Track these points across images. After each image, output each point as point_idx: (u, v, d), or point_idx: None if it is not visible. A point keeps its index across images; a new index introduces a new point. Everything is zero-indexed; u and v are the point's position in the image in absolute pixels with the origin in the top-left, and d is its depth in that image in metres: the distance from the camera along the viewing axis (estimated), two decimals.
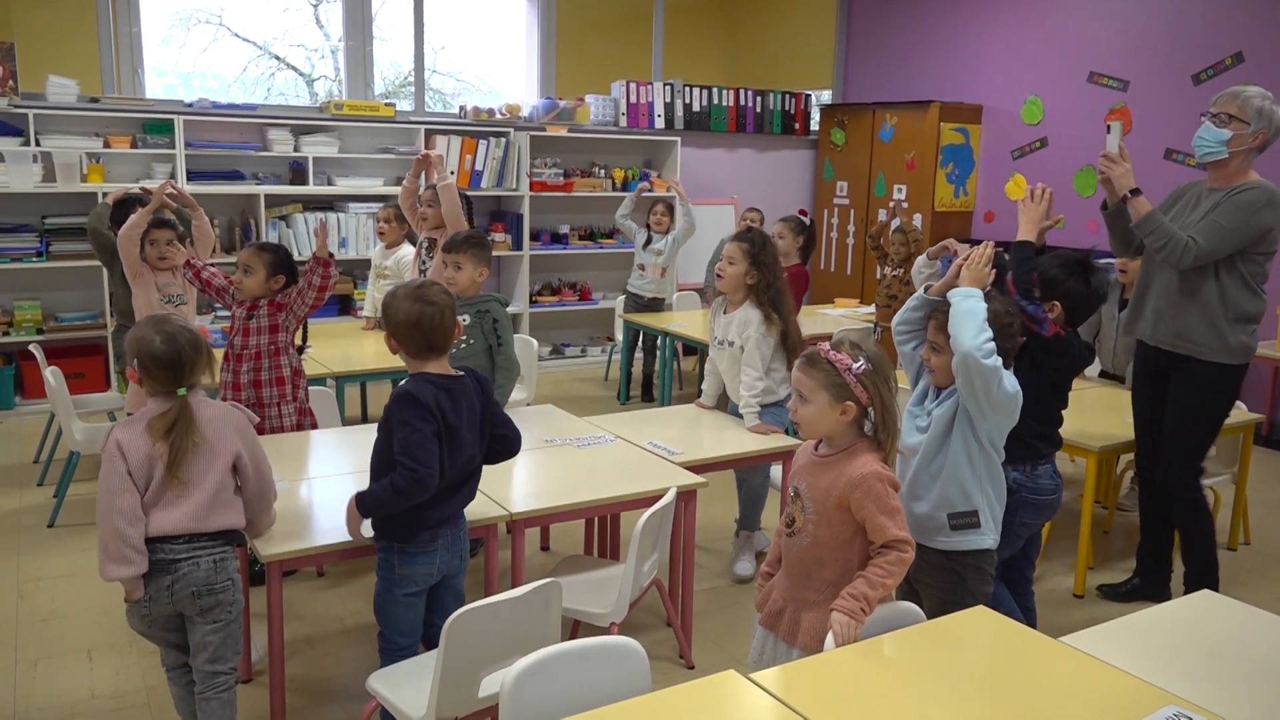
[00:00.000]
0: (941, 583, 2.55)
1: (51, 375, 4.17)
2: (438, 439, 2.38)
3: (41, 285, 5.87)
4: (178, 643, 2.44)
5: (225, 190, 6.15)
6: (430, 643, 2.57)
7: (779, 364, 3.71)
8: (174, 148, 5.94)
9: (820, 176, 8.39)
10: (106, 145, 5.85)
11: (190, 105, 6.19)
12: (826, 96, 8.73)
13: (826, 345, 2.26)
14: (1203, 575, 3.55)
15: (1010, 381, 2.44)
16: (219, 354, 3.08)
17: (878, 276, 6.00)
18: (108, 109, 5.90)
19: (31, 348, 4.65)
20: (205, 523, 2.33)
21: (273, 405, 3.52)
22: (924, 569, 2.55)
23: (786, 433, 3.64)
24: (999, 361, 2.40)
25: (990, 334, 2.40)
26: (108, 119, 5.91)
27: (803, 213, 6.55)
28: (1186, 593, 3.45)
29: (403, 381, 2.47)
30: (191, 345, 2.35)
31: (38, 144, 5.65)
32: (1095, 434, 3.68)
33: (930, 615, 2.22)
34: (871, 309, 6.22)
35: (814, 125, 8.43)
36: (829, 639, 2.07)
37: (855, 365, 2.19)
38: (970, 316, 2.40)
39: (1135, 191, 3.33)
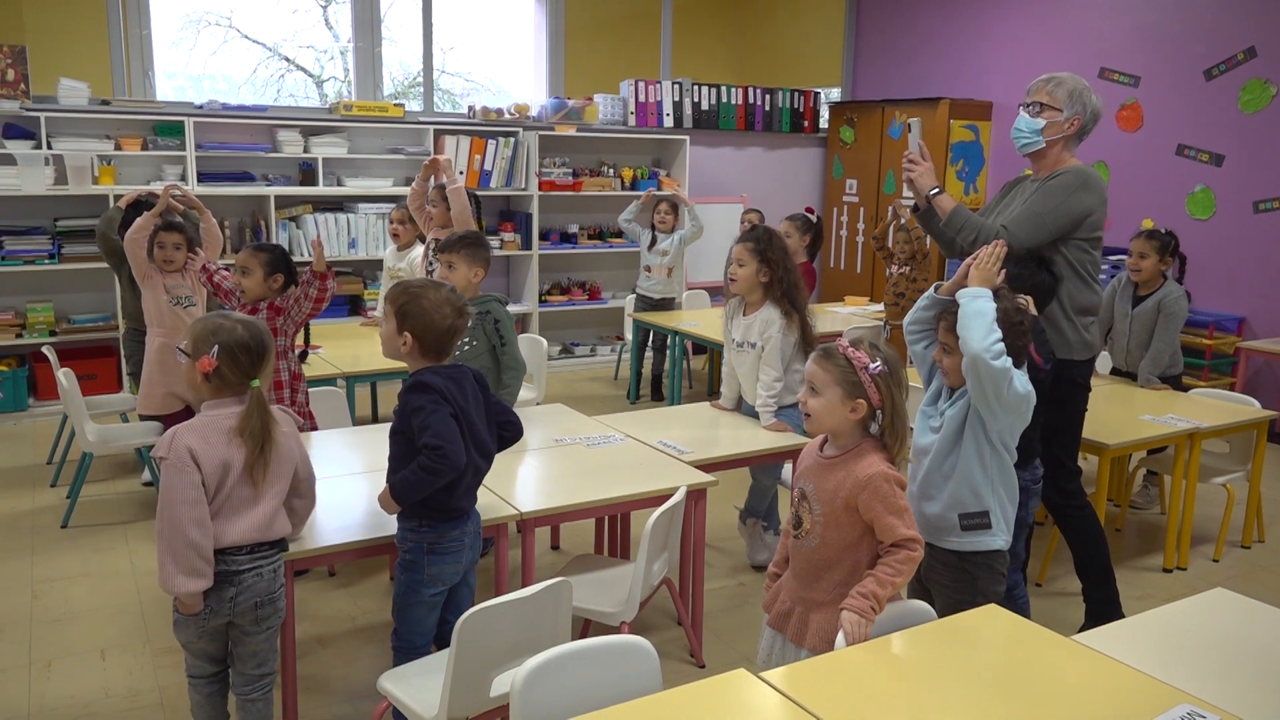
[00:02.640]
0: (953, 582, 2.54)
1: (64, 377, 4.19)
2: (455, 420, 2.39)
3: (54, 287, 5.90)
4: (215, 653, 2.42)
5: (235, 191, 6.18)
6: (443, 640, 2.57)
7: (799, 364, 3.70)
8: (184, 149, 5.96)
9: (829, 174, 8.37)
10: (118, 147, 5.88)
11: (200, 107, 6.21)
12: (835, 94, 8.72)
13: (845, 341, 2.25)
14: (1100, 588, 3.38)
15: (1021, 382, 2.43)
16: None
17: (887, 275, 5.98)
18: (119, 111, 5.92)
19: (44, 350, 4.67)
20: (269, 532, 2.32)
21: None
22: (935, 568, 2.54)
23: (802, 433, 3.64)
24: (1009, 362, 2.39)
25: (999, 334, 2.39)
26: (119, 121, 5.94)
27: (809, 210, 6.54)
28: (1089, 610, 3.39)
29: (409, 376, 2.49)
30: (269, 334, 2.36)
31: (49, 146, 5.68)
32: (1107, 431, 3.66)
33: (942, 614, 2.21)
34: (881, 307, 6.20)
35: (823, 123, 8.42)
36: (839, 637, 2.06)
37: (873, 365, 2.19)
38: (979, 317, 2.39)
39: (937, 190, 3.25)
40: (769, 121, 8.08)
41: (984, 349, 2.36)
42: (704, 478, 3.07)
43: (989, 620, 2.13)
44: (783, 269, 3.65)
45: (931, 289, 2.68)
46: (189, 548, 2.19)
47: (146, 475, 4.69)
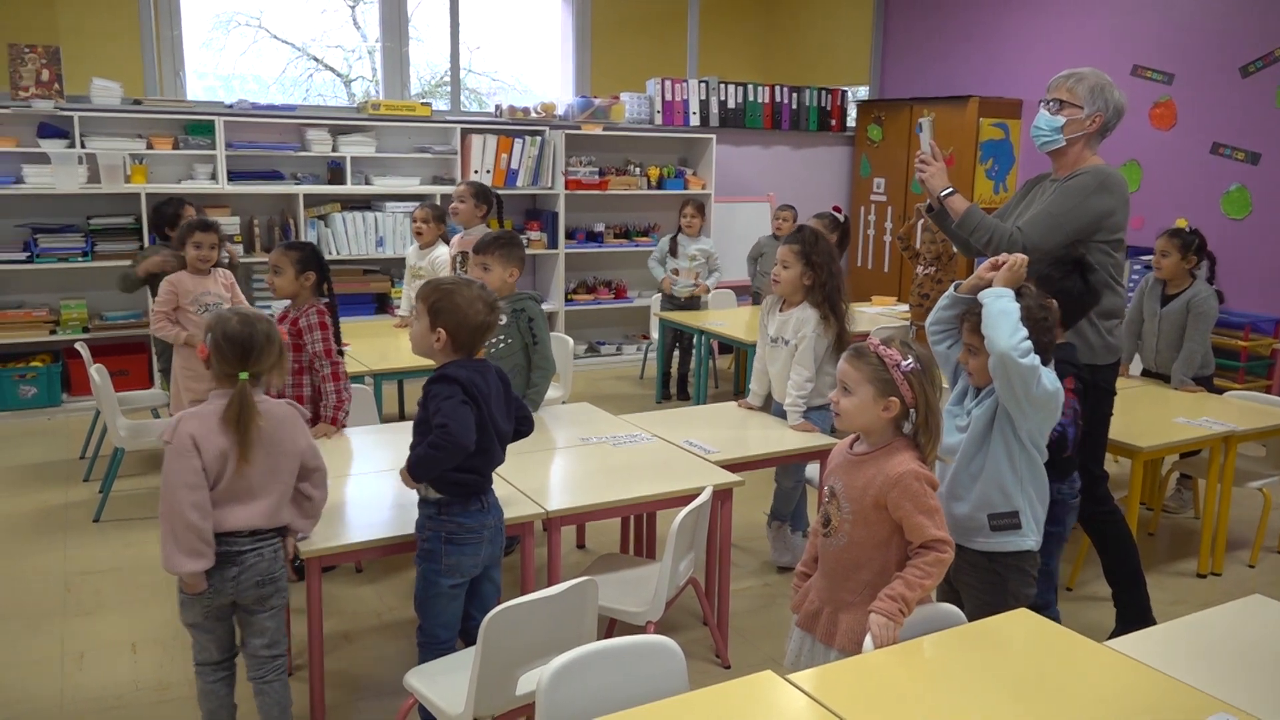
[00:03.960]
0: (982, 584, 2.52)
1: (97, 373, 4.24)
2: (475, 415, 2.44)
3: (87, 284, 5.97)
4: (222, 636, 2.49)
5: (265, 190, 6.23)
6: (469, 637, 2.59)
7: (830, 366, 3.67)
8: (215, 149, 6.01)
9: (857, 173, 8.32)
10: (149, 146, 5.94)
11: (231, 107, 6.27)
12: (863, 92, 8.67)
13: (877, 340, 2.24)
14: (1131, 594, 3.32)
15: (1049, 379, 2.40)
16: None
17: (914, 275, 5.94)
18: (150, 111, 5.99)
19: (78, 346, 4.73)
20: (273, 520, 2.41)
21: None
22: (964, 570, 2.52)
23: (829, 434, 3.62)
24: (1036, 360, 2.37)
25: (1025, 332, 2.36)
26: (150, 121, 6.00)
27: (837, 209, 6.51)
28: (1119, 616, 3.33)
29: (437, 369, 2.52)
30: (265, 335, 2.41)
31: (83, 145, 5.75)
32: (1139, 434, 3.61)
33: (971, 617, 2.19)
34: (907, 307, 6.16)
35: (850, 121, 8.37)
36: (867, 640, 2.05)
37: (905, 363, 2.17)
38: (1004, 317, 2.37)
39: (950, 191, 3.18)
40: (796, 120, 8.05)
41: (1011, 347, 2.34)
42: (730, 478, 3.06)
43: (1019, 624, 2.11)
44: (827, 272, 3.62)
45: (951, 288, 2.65)
46: (188, 530, 2.27)
47: None
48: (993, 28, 7.68)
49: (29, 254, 5.67)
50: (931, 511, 2.14)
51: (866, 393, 2.19)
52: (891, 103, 8.04)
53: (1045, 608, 2.83)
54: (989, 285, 2.45)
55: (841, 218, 5.99)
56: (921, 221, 5.81)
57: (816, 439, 3.53)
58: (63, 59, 5.73)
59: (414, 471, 2.46)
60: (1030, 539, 2.50)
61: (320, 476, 2.53)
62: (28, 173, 5.67)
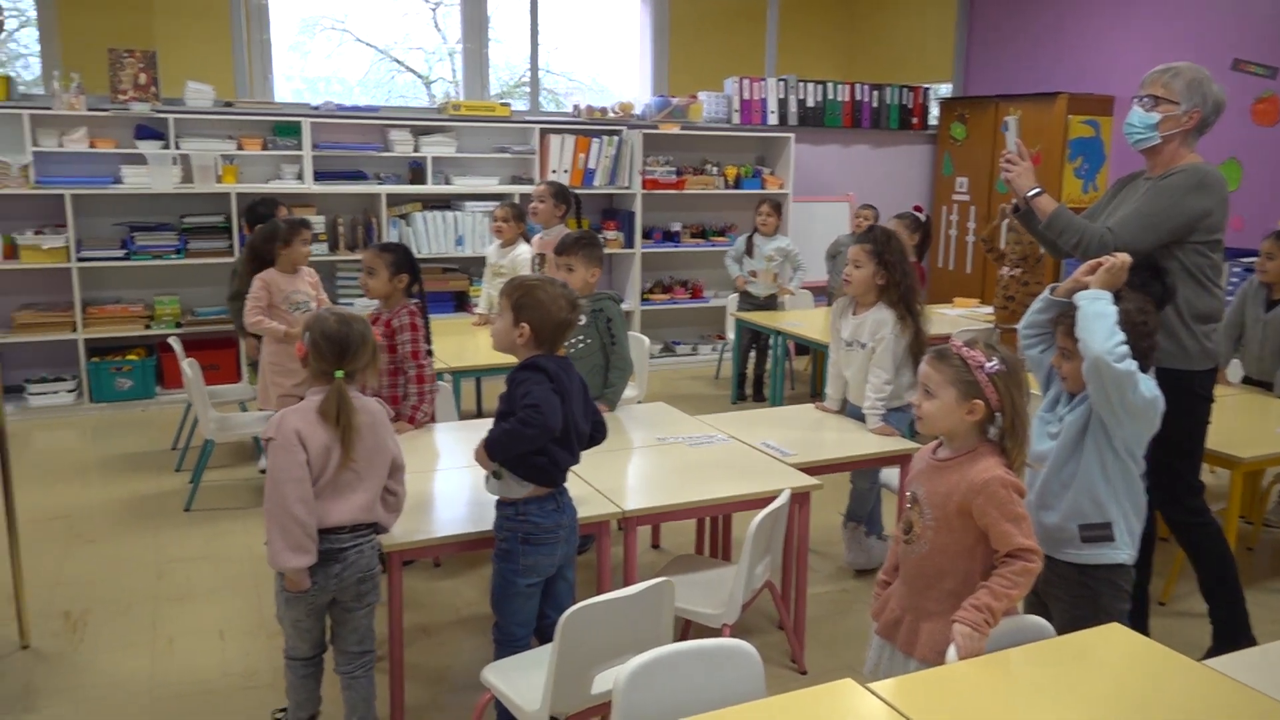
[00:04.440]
0: (1072, 597, 2.43)
1: (189, 367, 4.38)
2: (558, 396, 2.45)
3: (180, 281, 6.18)
4: (317, 633, 2.55)
5: (349, 190, 6.37)
6: (543, 634, 2.60)
7: (907, 367, 3.61)
8: (301, 149, 6.17)
9: (939, 172, 8.16)
10: (239, 147, 6.12)
11: (317, 108, 6.42)
12: (946, 90, 8.49)
13: (960, 342, 2.18)
14: (1228, 610, 3.16)
15: (1148, 386, 2.31)
16: None
17: (998, 277, 5.80)
18: (241, 113, 6.17)
19: (171, 340, 4.89)
20: (370, 515, 2.47)
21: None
22: (1054, 582, 2.44)
23: (908, 437, 3.55)
24: (1133, 365, 2.28)
25: (1122, 336, 2.28)
26: (240, 122, 6.18)
27: (918, 209, 6.39)
28: (1215, 633, 3.16)
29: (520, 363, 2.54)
30: (360, 336, 2.47)
31: (177, 147, 5.95)
32: (1239, 444, 3.46)
33: (1060, 631, 2.12)
34: (991, 309, 6.02)
35: (932, 120, 8.21)
36: (950, 651, 2.00)
37: (989, 364, 2.12)
38: (1100, 319, 2.29)
39: (1037, 192, 3.06)
40: (876, 118, 7.93)
41: (1106, 351, 2.26)
42: (809, 480, 3.02)
43: (1111, 639, 2.03)
44: (900, 272, 3.56)
45: (1046, 291, 2.57)
46: (295, 524, 2.32)
47: (263, 463, 4.87)
48: (1083, 22, 7.46)
49: (126, 251, 5.89)
50: (1018, 519, 2.08)
51: (949, 395, 2.14)
52: (976, 100, 7.87)
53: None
54: (1086, 288, 2.37)
55: (922, 217, 5.88)
56: (1006, 222, 5.66)
57: (896, 443, 3.47)
58: (159, 63, 5.93)
59: (493, 449, 2.46)
60: (1124, 552, 2.41)
61: (402, 473, 2.58)
62: (126, 173, 5.89)
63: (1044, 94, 7.26)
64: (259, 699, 2.94)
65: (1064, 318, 2.45)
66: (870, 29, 8.62)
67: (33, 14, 6.13)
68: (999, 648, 2.00)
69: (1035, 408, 2.50)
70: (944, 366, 2.15)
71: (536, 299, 2.51)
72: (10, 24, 6.41)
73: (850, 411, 3.77)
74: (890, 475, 3.95)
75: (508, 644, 2.56)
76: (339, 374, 2.42)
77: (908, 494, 2.28)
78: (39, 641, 3.23)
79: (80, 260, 5.75)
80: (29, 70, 6.36)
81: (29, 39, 6.41)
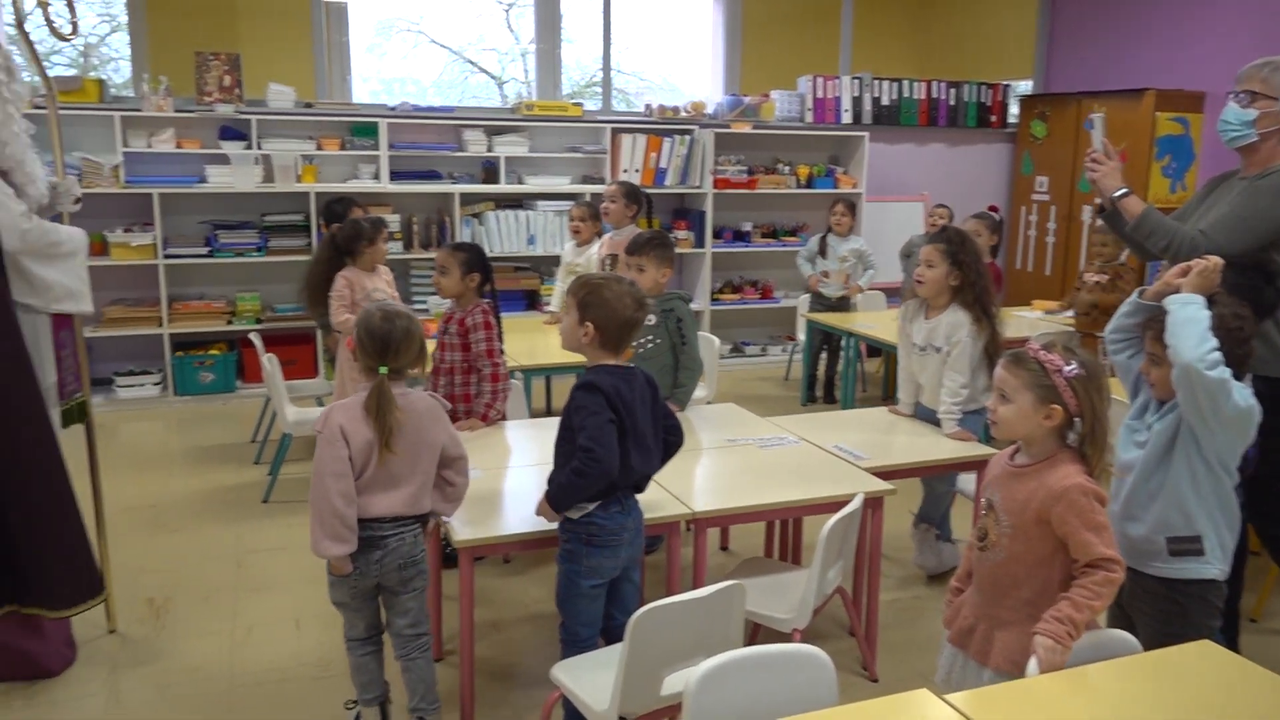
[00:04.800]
0: (1160, 613, 2.34)
1: (268, 362, 4.49)
2: (617, 426, 2.43)
3: (260, 278, 6.34)
4: (369, 615, 2.63)
5: (423, 189, 6.46)
6: (609, 635, 2.60)
7: (982, 370, 3.53)
8: (378, 149, 6.28)
9: (1018, 171, 7.97)
10: (319, 147, 6.25)
11: (394, 109, 6.52)
12: (1027, 87, 8.29)
13: (1037, 344, 2.13)
14: None
15: (1242, 395, 2.21)
16: None
17: (1079, 280, 5.63)
18: (320, 114, 6.30)
19: (251, 336, 5.02)
20: (414, 507, 2.52)
21: (462, 419, 3.57)
22: (1140, 596, 2.36)
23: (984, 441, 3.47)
24: (1226, 373, 2.18)
25: (1215, 343, 2.18)
26: (320, 123, 6.31)
27: (993, 209, 6.26)
28: None
29: (583, 373, 2.53)
30: (404, 331, 2.50)
31: (259, 147, 6.10)
32: None
33: (1147, 647, 2.04)
34: (1071, 313, 5.85)
35: (1012, 117, 8.03)
36: (1031, 663, 1.94)
37: (1067, 368, 2.06)
38: (1190, 325, 2.20)
39: (1125, 192, 2.94)
40: (953, 116, 7.78)
41: (1197, 358, 2.17)
42: (882, 485, 2.97)
43: (1201, 657, 1.95)
44: (975, 272, 3.49)
45: (1135, 294, 2.48)
46: (334, 516, 2.39)
47: None
48: (1173, 15, 7.21)
49: (210, 249, 6.06)
50: (1099, 528, 2.02)
51: (1026, 400, 2.09)
52: (1058, 97, 7.66)
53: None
54: (1177, 291, 2.29)
55: (998, 217, 5.75)
56: (1094, 223, 5.50)
57: (973, 448, 3.40)
58: (243, 65, 6.09)
59: (556, 502, 2.48)
60: (1215, 567, 2.32)
61: (462, 464, 2.62)
62: (210, 173, 6.06)
63: (1130, 90, 7.03)
64: (333, 689, 3.00)
65: (1153, 322, 2.36)
66: (948, 25, 8.45)
67: (123, 19, 6.35)
68: (1080, 662, 1.94)
69: (1120, 415, 2.42)
70: (1020, 370, 2.10)
71: (602, 297, 2.50)
72: (102, 29, 6.65)
73: (922, 414, 3.70)
74: (966, 480, 3.87)
75: (573, 644, 2.57)
76: (383, 370, 2.46)
77: (983, 500, 2.23)
78: (125, 627, 3.34)
79: (167, 257, 5.94)
80: (119, 73, 6.59)
81: (120, 43, 6.65)
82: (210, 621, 3.42)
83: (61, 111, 3.36)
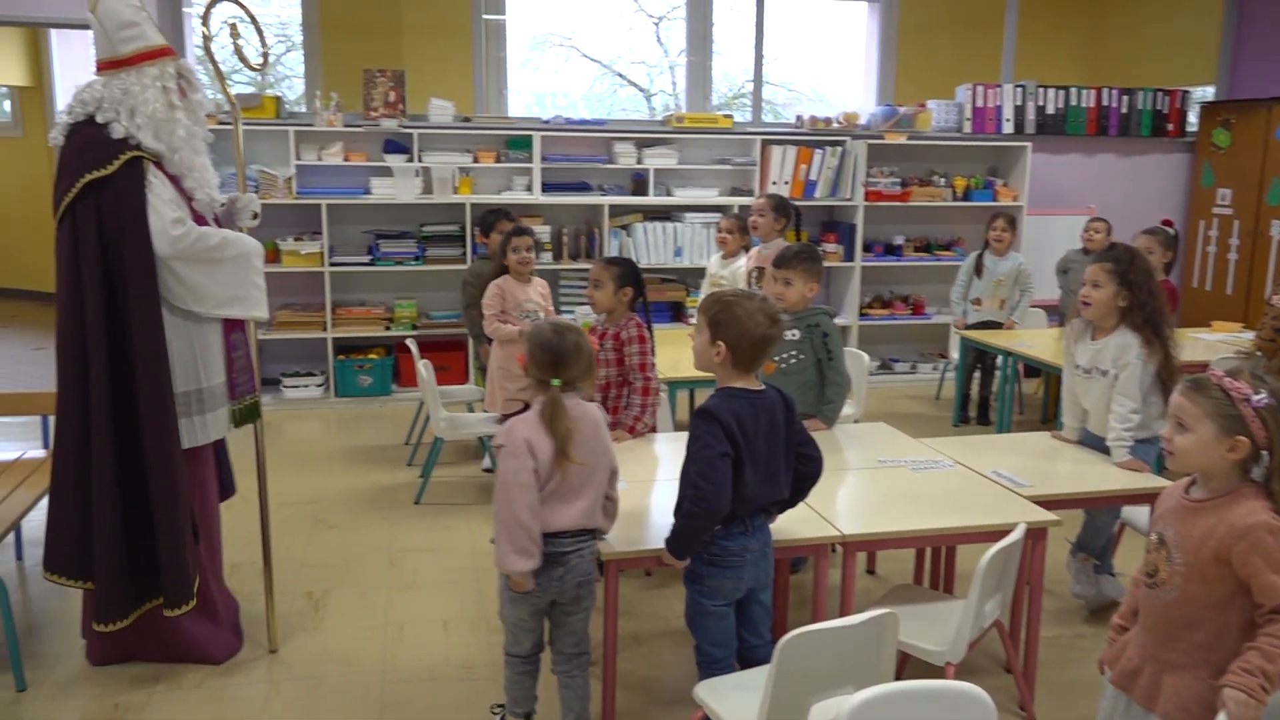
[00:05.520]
0: None
1: (424, 368, 4.64)
2: (735, 456, 2.37)
3: (417, 286, 6.58)
4: (537, 633, 2.64)
5: (573, 201, 6.57)
6: (744, 659, 2.56)
7: (1155, 395, 3.31)
8: (531, 162, 6.42)
9: (1196, 183, 7.48)
10: (475, 160, 6.45)
11: (547, 122, 6.66)
12: (1209, 93, 7.77)
13: (1220, 371, 1.96)
14: None
15: None
16: None
17: (1267, 302, 5.21)
18: (477, 128, 6.50)
19: (407, 342, 5.20)
20: (591, 520, 2.52)
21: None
22: None
23: (1156, 472, 3.25)
24: None
25: None
26: (477, 136, 6.51)
27: (1167, 223, 5.87)
28: None
29: (709, 396, 2.48)
30: (574, 346, 2.52)
31: (420, 160, 6.33)
32: None
33: None
34: (1254, 335, 5.42)
35: (1190, 126, 7.54)
36: (1220, 718, 1.78)
37: (1255, 397, 1.90)
38: None
39: None
40: (1125, 125, 7.36)
41: None
42: (1046, 515, 2.80)
43: None
44: (1146, 293, 3.27)
45: None
46: (521, 530, 2.38)
47: (486, 462, 5.09)
48: None
49: (371, 257, 6.33)
50: None
51: (1207, 430, 1.93)
52: (1244, 104, 7.15)
53: None
54: None
55: (1172, 232, 5.39)
56: None
57: (1145, 479, 3.18)
58: (406, 81, 6.34)
59: (676, 551, 2.45)
60: None
61: (617, 479, 2.61)
62: (374, 184, 6.34)
63: None
64: (478, 691, 3.05)
65: None
66: (1120, 29, 8.01)
67: (298, 39, 6.72)
68: (1273, 718, 1.77)
69: None
70: (1201, 398, 1.95)
71: (734, 315, 2.45)
72: (278, 49, 7.05)
73: (1086, 439, 3.49)
74: (1135, 512, 3.63)
75: (707, 665, 2.53)
76: (555, 383, 2.47)
77: (1154, 535, 2.08)
78: (285, 618, 3.49)
79: (332, 265, 6.23)
80: (293, 90, 6.98)
81: (294, 62, 7.04)
82: (365, 617, 3.54)
83: (243, 127, 3.56)
